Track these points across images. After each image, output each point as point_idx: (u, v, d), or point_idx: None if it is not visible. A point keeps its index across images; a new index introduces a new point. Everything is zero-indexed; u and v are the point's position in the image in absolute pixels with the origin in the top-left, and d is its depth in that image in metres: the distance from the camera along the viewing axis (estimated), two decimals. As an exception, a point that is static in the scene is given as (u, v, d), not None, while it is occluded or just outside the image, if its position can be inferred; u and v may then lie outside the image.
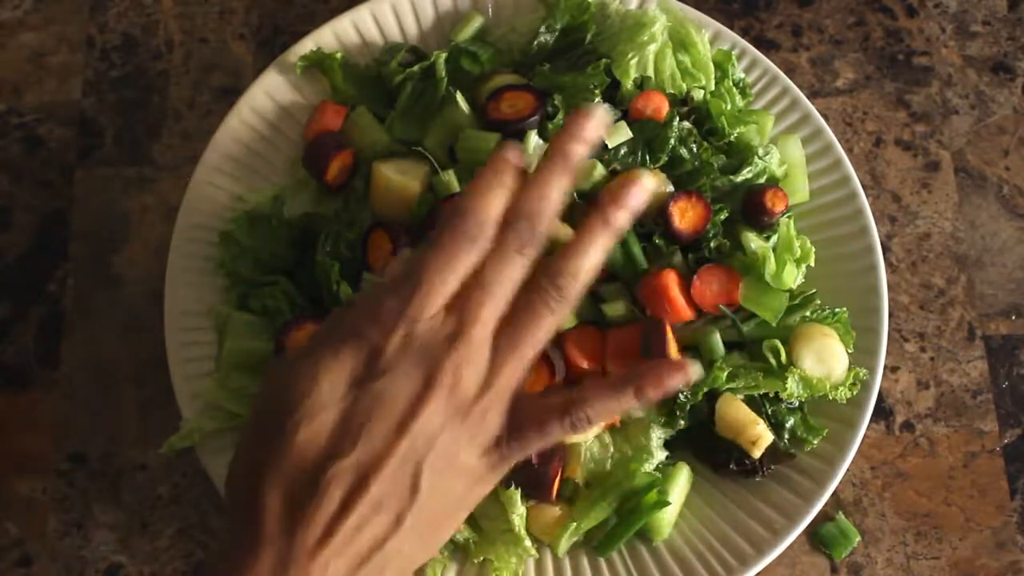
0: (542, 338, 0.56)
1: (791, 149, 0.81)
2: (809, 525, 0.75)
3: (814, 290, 0.77)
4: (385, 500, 0.52)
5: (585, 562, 0.75)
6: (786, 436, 0.75)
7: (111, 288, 0.87)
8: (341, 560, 0.51)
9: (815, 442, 0.75)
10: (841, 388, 0.74)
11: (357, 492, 0.52)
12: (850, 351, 0.76)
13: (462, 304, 0.55)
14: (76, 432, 0.83)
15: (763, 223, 0.77)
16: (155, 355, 0.78)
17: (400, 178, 0.77)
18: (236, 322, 0.76)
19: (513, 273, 0.56)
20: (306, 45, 0.82)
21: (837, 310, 0.76)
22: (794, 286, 0.76)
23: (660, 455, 0.74)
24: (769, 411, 0.75)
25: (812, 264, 0.78)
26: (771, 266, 0.75)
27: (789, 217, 0.79)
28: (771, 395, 0.75)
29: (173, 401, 0.75)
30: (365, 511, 0.52)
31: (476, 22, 0.84)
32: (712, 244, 0.76)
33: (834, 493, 0.79)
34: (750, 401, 0.75)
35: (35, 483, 0.82)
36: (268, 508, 0.52)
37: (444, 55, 0.81)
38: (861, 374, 0.75)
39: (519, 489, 0.72)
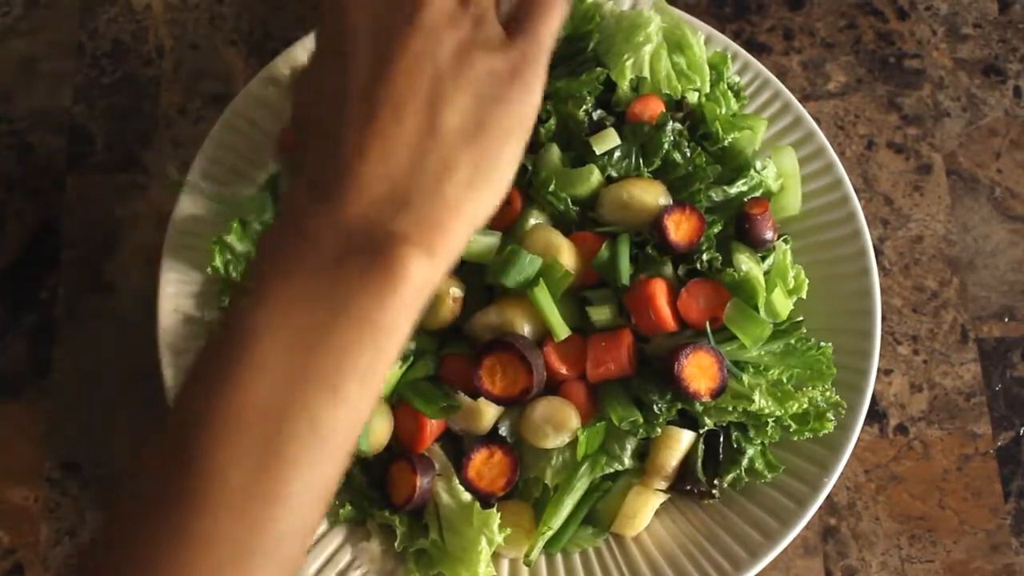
0: None
1: (786, 161, 0.81)
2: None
3: (801, 318, 0.76)
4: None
5: (578, 562, 0.75)
6: (743, 467, 0.75)
7: (103, 295, 0.86)
8: None
9: (770, 476, 0.75)
10: (815, 423, 0.74)
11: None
12: (830, 389, 0.75)
13: None
14: (68, 440, 0.83)
15: (756, 245, 0.77)
16: (148, 362, 0.78)
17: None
18: (228, 329, 0.76)
19: None
20: (297, 51, 0.82)
21: (822, 344, 0.75)
22: (784, 316, 0.76)
23: (628, 463, 0.75)
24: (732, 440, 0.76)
25: (804, 296, 0.77)
26: (763, 297, 0.74)
27: (786, 241, 0.79)
28: (737, 421, 0.75)
29: (165, 409, 0.75)
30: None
31: None
32: (704, 257, 0.75)
33: (828, 496, 0.79)
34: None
35: (27, 492, 0.82)
36: None
37: None
38: (840, 409, 0.75)
39: (499, 513, 0.72)
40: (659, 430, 0.73)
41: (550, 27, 0.53)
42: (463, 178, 0.48)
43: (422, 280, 0.46)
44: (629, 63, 0.80)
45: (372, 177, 0.46)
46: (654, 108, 0.79)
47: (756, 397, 0.73)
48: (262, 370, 0.44)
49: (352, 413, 0.45)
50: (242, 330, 0.45)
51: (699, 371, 0.72)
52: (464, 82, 0.49)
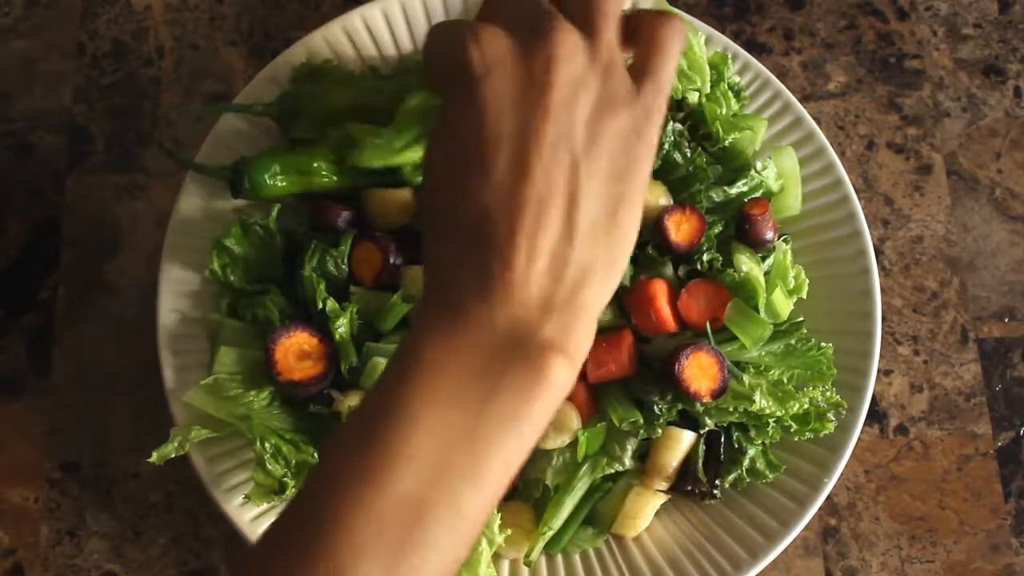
0: None
1: (786, 161, 0.81)
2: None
3: (802, 318, 0.76)
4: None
5: (579, 562, 0.75)
6: (744, 467, 0.75)
7: (103, 296, 0.86)
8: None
9: (771, 476, 0.75)
10: (815, 423, 0.74)
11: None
12: (831, 390, 0.75)
13: None
14: (68, 440, 0.83)
15: (756, 245, 0.77)
16: (147, 362, 0.78)
17: (392, 191, 0.78)
18: (228, 329, 0.76)
19: None
20: (297, 51, 0.82)
21: (823, 344, 0.75)
22: (784, 317, 0.76)
23: (629, 463, 0.75)
24: (733, 440, 0.76)
25: (804, 297, 0.77)
26: (763, 298, 0.74)
27: (786, 241, 0.79)
28: (738, 422, 0.75)
29: (166, 409, 0.75)
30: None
31: None
32: (705, 258, 0.75)
33: (828, 497, 0.79)
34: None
35: (27, 492, 0.82)
36: None
37: None
38: (841, 410, 0.75)
39: (499, 513, 0.72)
40: (660, 431, 0.74)
41: (671, 73, 0.54)
42: (598, 279, 0.51)
43: (565, 381, 0.49)
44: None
45: (519, 283, 0.49)
46: (655, 109, 0.79)
47: (757, 397, 0.73)
48: (412, 460, 0.47)
49: (491, 498, 0.49)
50: (395, 418, 0.47)
51: (699, 372, 0.72)
52: (597, 163, 0.50)
